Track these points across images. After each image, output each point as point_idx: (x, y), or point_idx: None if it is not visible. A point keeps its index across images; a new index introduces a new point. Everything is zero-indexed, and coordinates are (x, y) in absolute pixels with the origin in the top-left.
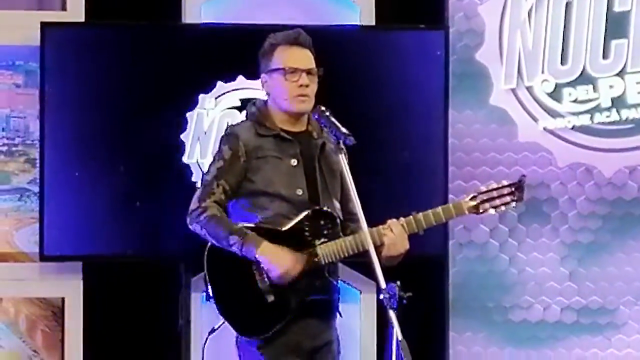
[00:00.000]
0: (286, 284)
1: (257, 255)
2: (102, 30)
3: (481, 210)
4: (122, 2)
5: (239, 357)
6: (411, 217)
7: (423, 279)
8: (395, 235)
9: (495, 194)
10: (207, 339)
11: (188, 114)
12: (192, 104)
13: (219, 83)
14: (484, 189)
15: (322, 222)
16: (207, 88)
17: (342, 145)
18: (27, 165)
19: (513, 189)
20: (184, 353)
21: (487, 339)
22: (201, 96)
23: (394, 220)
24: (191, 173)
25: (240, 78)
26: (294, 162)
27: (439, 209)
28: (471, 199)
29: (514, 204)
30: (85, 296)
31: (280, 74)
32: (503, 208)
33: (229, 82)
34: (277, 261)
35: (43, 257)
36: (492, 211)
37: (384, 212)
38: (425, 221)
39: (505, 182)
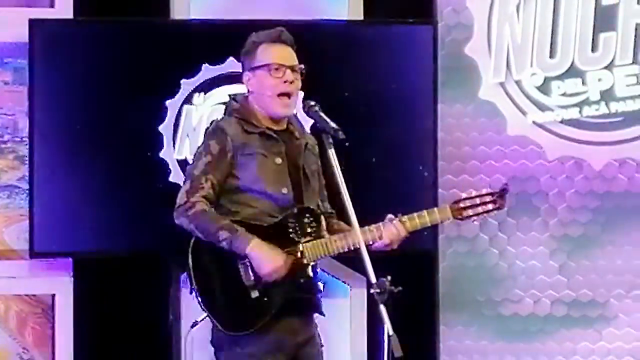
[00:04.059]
0: (271, 282)
1: (247, 252)
2: (90, 26)
3: (464, 216)
4: None
5: (217, 359)
6: (397, 219)
7: (413, 274)
8: (397, 233)
9: (477, 200)
10: (188, 332)
11: (173, 105)
12: (182, 98)
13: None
14: (465, 195)
15: (306, 220)
16: (196, 80)
17: (330, 140)
18: (16, 162)
19: (495, 197)
20: (174, 348)
21: (477, 332)
22: (188, 86)
23: (389, 221)
24: (179, 169)
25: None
26: (278, 160)
27: (425, 212)
28: (454, 204)
29: (495, 211)
30: (76, 292)
31: (264, 70)
32: (485, 215)
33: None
34: (267, 258)
35: (33, 254)
36: (474, 218)
37: (374, 207)
38: (410, 224)
39: (487, 190)
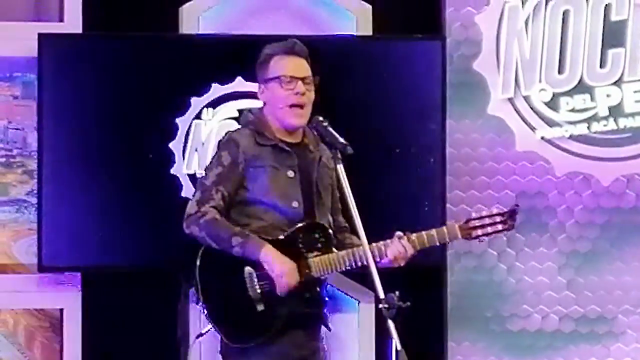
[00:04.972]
0: (278, 295)
1: (260, 257)
2: (99, 41)
3: (473, 236)
4: (119, 13)
5: None
6: (405, 236)
7: (421, 289)
8: (404, 251)
9: (487, 220)
10: (193, 342)
11: (184, 122)
12: (192, 115)
13: (214, 85)
14: (475, 215)
15: (316, 235)
16: (205, 99)
17: (339, 155)
18: (25, 176)
19: (505, 217)
20: None
21: (485, 348)
22: (198, 103)
23: (397, 238)
24: (190, 183)
25: (239, 80)
26: (290, 173)
27: (433, 231)
28: (464, 224)
29: (504, 232)
30: (84, 307)
31: (276, 82)
32: (494, 235)
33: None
34: (279, 262)
35: (41, 268)
36: (483, 238)
37: (381, 222)
38: (418, 242)
39: (498, 210)
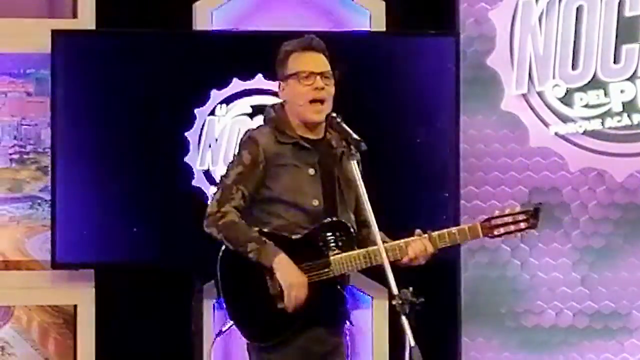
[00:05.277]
0: (289, 304)
1: (273, 265)
2: (112, 37)
3: (495, 234)
4: (132, 9)
5: None
6: (426, 235)
7: (435, 285)
8: (424, 250)
9: (510, 219)
10: (214, 341)
11: (202, 113)
12: (211, 107)
13: (235, 80)
14: (498, 213)
15: (337, 234)
16: (224, 92)
17: (353, 152)
18: (39, 173)
19: (528, 216)
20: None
21: (499, 344)
22: (217, 96)
23: (417, 237)
24: (206, 180)
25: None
26: (311, 171)
27: (455, 229)
28: (486, 222)
29: (527, 230)
30: (98, 304)
31: (295, 79)
32: (518, 234)
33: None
34: (290, 276)
35: (55, 265)
36: (505, 237)
37: (396, 218)
38: (439, 240)
39: (521, 209)
